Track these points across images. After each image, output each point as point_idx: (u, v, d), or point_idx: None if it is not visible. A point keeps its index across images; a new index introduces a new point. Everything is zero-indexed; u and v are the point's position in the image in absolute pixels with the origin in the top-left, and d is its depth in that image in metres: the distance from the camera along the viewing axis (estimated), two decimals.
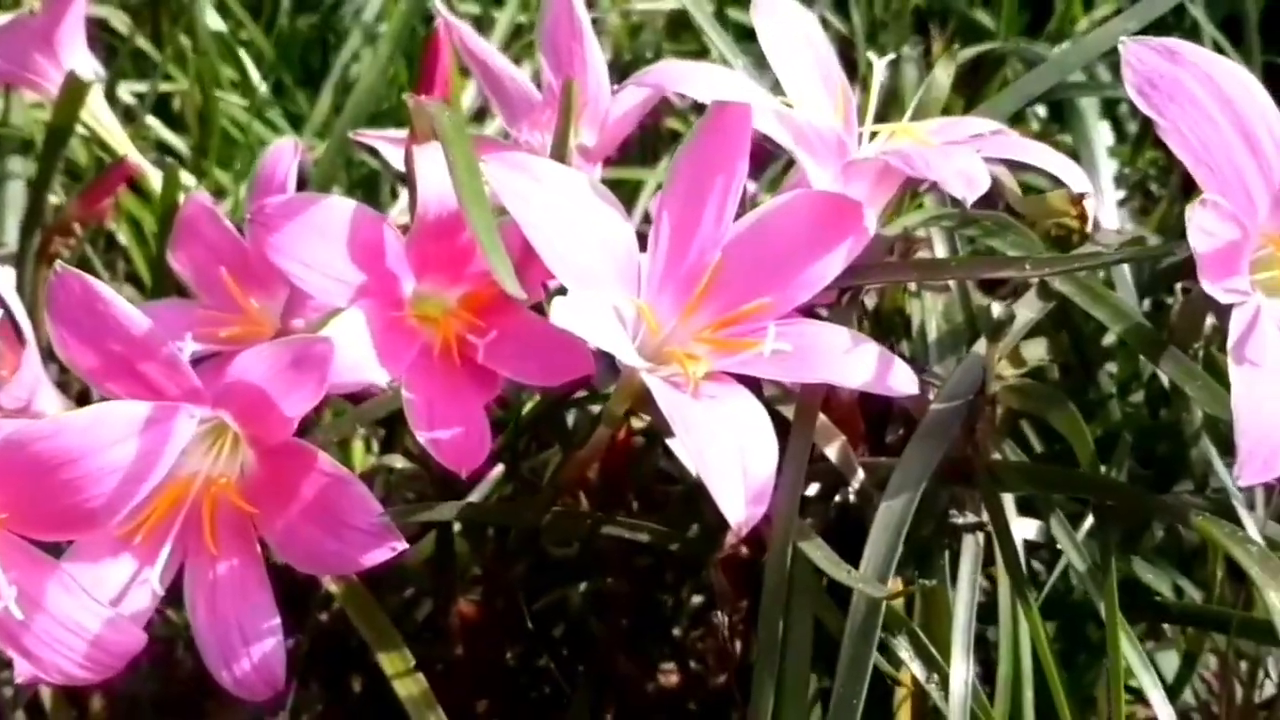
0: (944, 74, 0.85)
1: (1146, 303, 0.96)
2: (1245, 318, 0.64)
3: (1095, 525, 0.77)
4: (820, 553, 0.67)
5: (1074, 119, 1.02)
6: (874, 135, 0.81)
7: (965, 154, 0.68)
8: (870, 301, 0.93)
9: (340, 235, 0.79)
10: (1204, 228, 0.62)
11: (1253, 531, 0.76)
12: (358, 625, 0.83)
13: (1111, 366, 0.98)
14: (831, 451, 0.79)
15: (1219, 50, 1.31)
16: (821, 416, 0.80)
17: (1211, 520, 0.67)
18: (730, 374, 0.70)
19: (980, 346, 0.72)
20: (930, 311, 0.86)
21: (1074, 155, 1.02)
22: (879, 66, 0.81)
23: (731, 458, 0.64)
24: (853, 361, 0.68)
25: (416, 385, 0.80)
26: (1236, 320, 0.64)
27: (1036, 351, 0.90)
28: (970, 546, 0.78)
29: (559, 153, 0.76)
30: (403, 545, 0.70)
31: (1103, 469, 0.85)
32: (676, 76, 0.73)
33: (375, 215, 0.82)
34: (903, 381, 0.68)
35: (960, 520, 0.79)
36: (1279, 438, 0.61)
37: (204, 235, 0.96)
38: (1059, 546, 0.75)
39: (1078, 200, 0.71)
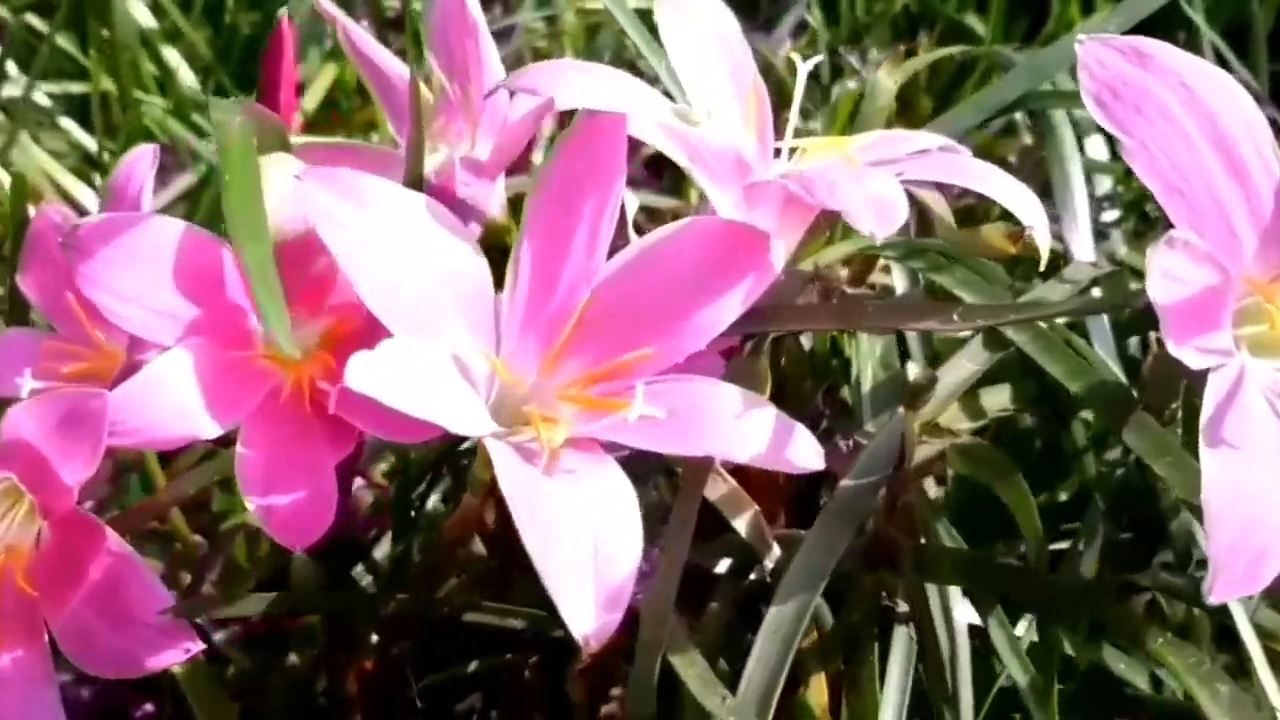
0: (888, 81, 0.72)
1: (1134, 341, 0.84)
2: (1225, 384, 0.52)
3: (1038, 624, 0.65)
4: (693, 670, 0.54)
5: (1048, 131, 0.89)
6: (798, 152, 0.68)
7: (880, 178, 0.56)
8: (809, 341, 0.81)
9: (166, 261, 0.67)
10: (1171, 273, 0.49)
11: (1241, 621, 0.63)
12: (195, 709, 0.72)
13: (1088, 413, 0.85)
14: (741, 524, 0.67)
15: (1221, 62, 1.18)
16: (731, 482, 0.68)
17: (1173, 646, 0.54)
18: (600, 441, 0.57)
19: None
20: (867, 356, 0.73)
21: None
22: (802, 71, 0.68)
23: (582, 553, 0.52)
24: (742, 429, 0.56)
25: (254, 438, 0.68)
26: (1214, 388, 0.51)
27: (999, 400, 0.78)
28: (902, 639, 0.66)
29: (414, 168, 0.64)
30: (197, 646, 0.58)
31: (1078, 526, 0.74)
32: (547, 79, 0.60)
33: (211, 238, 0.70)
34: (804, 454, 0.56)
35: (892, 607, 0.67)
36: (1263, 541, 0.48)
37: (53, 256, 0.84)
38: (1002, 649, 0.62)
39: (1016, 235, 0.58)
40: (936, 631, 0.60)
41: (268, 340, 0.72)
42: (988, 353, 0.65)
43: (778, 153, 0.67)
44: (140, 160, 0.81)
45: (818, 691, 0.69)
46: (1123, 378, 0.69)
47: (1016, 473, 0.64)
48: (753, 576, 0.70)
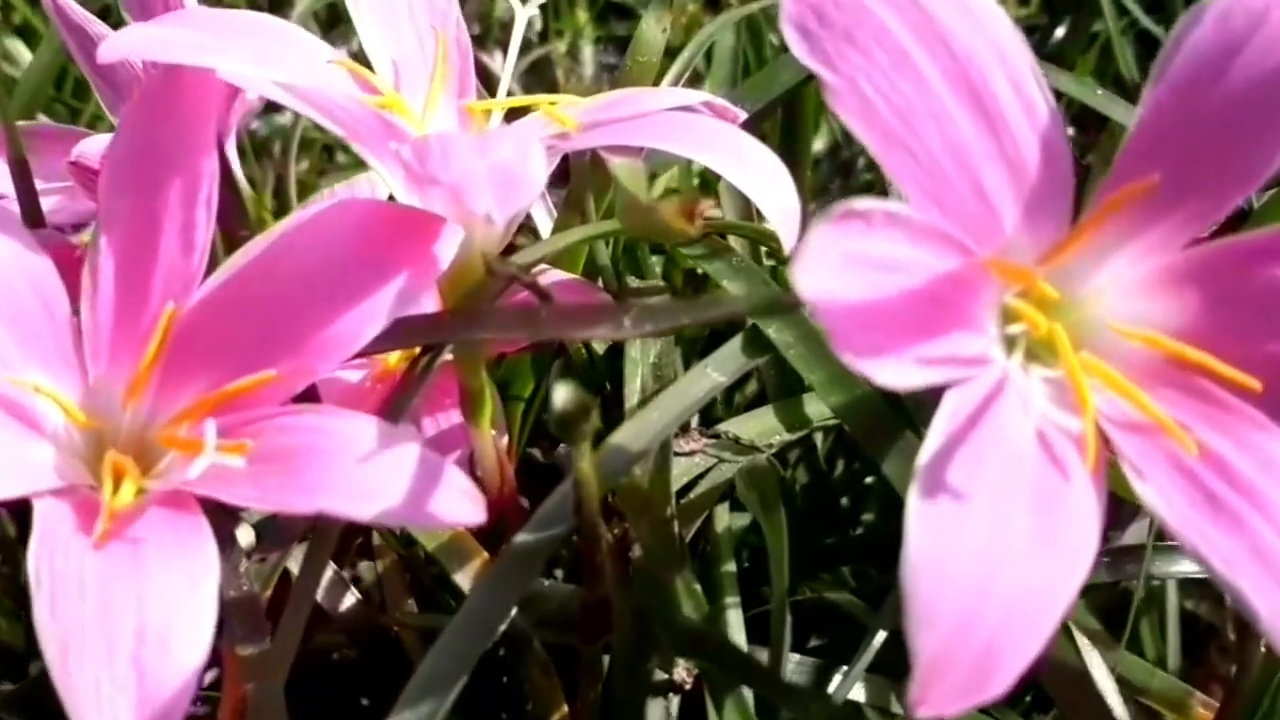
0: (654, 31, 0.59)
1: None
2: (967, 405, 0.38)
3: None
4: None
5: None
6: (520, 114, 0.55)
7: (513, 145, 0.42)
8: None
9: None
10: (870, 257, 0.36)
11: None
12: None
13: None
14: (464, 577, 0.54)
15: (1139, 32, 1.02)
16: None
17: None
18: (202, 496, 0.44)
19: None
20: (638, 363, 0.60)
21: None
22: (521, 17, 0.55)
23: (116, 657, 0.39)
24: (368, 477, 0.42)
25: None
26: (948, 411, 0.38)
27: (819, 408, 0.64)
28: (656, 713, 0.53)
29: (12, 150, 0.51)
30: None
31: None
32: (135, 38, 0.47)
33: None
34: (454, 507, 0.42)
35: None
36: (990, 631, 0.34)
37: None
38: None
39: (689, 210, 0.44)
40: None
41: None
42: (745, 358, 0.52)
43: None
44: None
45: None
46: None
47: (777, 505, 0.50)
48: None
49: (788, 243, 0.46)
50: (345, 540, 0.64)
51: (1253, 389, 0.39)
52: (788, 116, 0.90)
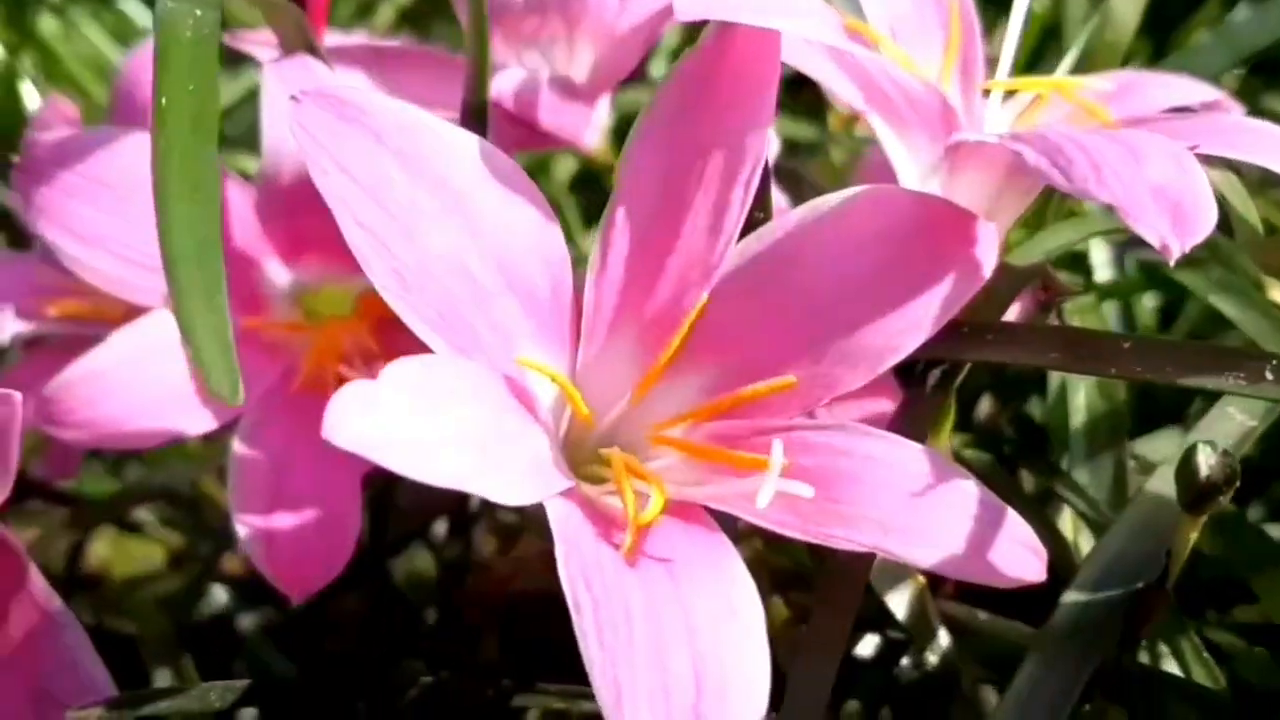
0: (1127, 3, 0.52)
1: None
2: None
3: None
4: None
5: None
6: (1010, 95, 0.49)
7: (1166, 159, 0.36)
8: None
9: (147, 194, 0.50)
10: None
11: None
12: None
13: None
14: (898, 600, 0.49)
15: None
16: None
17: None
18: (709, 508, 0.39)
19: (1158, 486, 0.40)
20: (1079, 377, 0.54)
21: None
22: None
23: (676, 688, 0.34)
24: (925, 517, 0.38)
25: (258, 436, 0.52)
26: None
27: None
28: None
29: (474, 92, 0.46)
30: None
31: None
32: None
33: None
34: (1016, 559, 0.37)
35: None
36: None
37: None
38: None
39: None
40: None
41: (292, 300, 0.56)
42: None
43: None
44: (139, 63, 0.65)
45: None
46: None
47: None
48: (905, 663, 0.53)
49: None
50: None
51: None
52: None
